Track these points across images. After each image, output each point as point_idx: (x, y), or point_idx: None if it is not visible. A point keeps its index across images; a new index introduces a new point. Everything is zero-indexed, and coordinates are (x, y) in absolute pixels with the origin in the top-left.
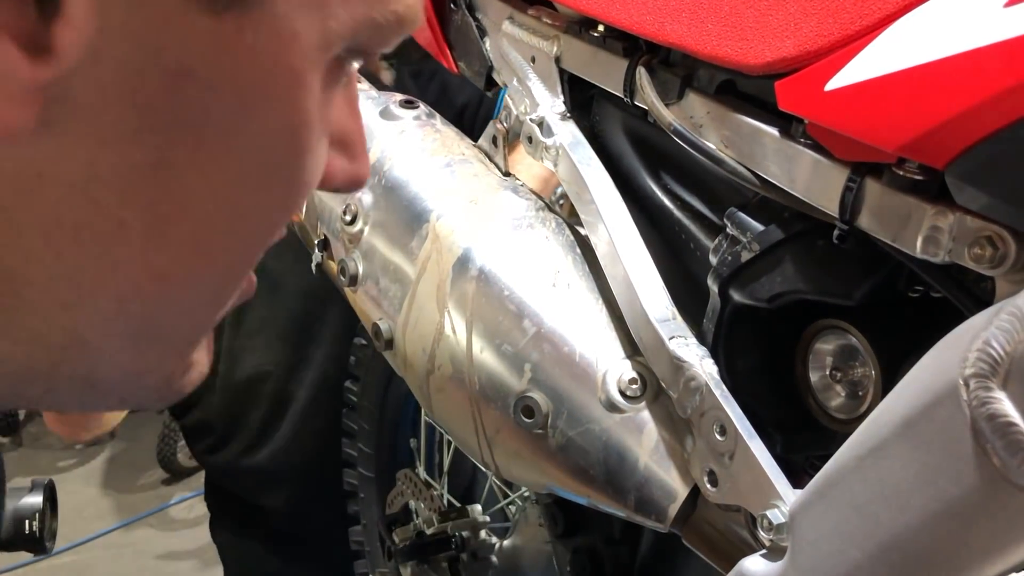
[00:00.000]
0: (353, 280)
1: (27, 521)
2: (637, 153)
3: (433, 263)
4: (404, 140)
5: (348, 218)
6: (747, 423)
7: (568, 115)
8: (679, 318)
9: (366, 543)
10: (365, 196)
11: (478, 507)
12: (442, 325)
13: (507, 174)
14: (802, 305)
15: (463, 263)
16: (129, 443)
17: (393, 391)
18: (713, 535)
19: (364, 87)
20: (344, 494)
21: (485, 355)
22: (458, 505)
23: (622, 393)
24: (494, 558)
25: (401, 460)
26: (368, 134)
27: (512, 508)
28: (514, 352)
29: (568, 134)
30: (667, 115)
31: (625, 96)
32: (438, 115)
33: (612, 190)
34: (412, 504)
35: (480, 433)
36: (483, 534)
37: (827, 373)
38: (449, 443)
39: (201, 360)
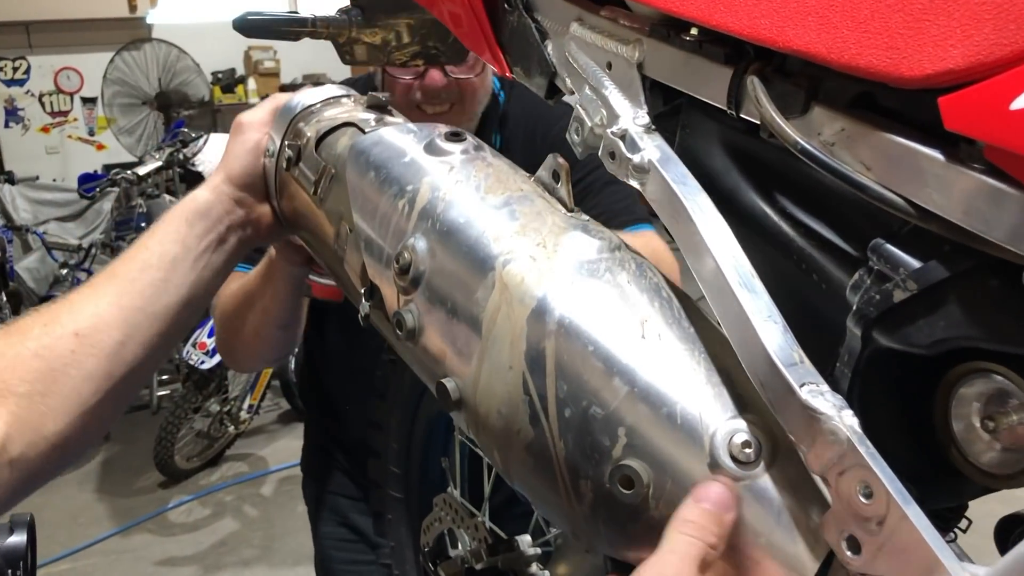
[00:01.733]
0: (411, 335)
1: (10, 570)
2: (743, 172)
3: (504, 316)
4: (455, 178)
5: (401, 266)
6: (900, 486)
7: (653, 127)
8: (807, 362)
9: (395, 566)
10: (419, 242)
11: (527, 538)
12: (519, 385)
13: (571, 209)
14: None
15: (538, 316)
16: (125, 446)
17: (424, 410)
18: None
19: (399, 120)
20: (373, 514)
21: (572, 419)
22: (504, 536)
23: (734, 458)
24: None
25: (432, 481)
26: (415, 171)
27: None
28: (605, 415)
29: (656, 149)
30: (793, 133)
31: (730, 108)
32: (487, 146)
33: (715, 213)
34: (453, 532)
35: (571, 504)
36: (534, 567)
37: (973, 422)
38: (490, 468)
39: None
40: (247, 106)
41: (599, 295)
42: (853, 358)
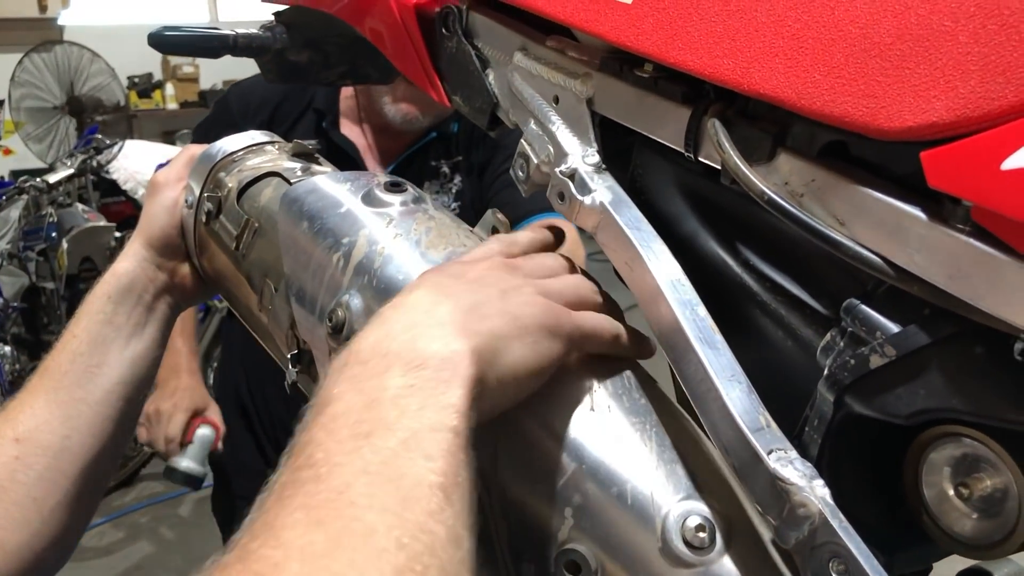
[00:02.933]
0: None
1: None
2: (702, 218)
3: None
4: (393, 231)
5: (334, 325)
6: (876, 563)
7: (604, 167)
8: (774, 426)
9: None
10: (353, 299)
11: None
12: None
13: None
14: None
15: None
16: None
17: None
18: None
19: (327, 168)
20: None
21: (515, 497)
22: None
23: (687, 543)
24: None
25: None
26: (351, 222)
27: None
28: (551, 493)
29: (608, 191)
30: (758, 182)
31: (687, 151)
32: (427, 197)
33: (672, 262)
34: None
35: None
36: None
37: (946, 489)
38: None
39: None
40: (164, 112)
41: None
42: (824, 423)
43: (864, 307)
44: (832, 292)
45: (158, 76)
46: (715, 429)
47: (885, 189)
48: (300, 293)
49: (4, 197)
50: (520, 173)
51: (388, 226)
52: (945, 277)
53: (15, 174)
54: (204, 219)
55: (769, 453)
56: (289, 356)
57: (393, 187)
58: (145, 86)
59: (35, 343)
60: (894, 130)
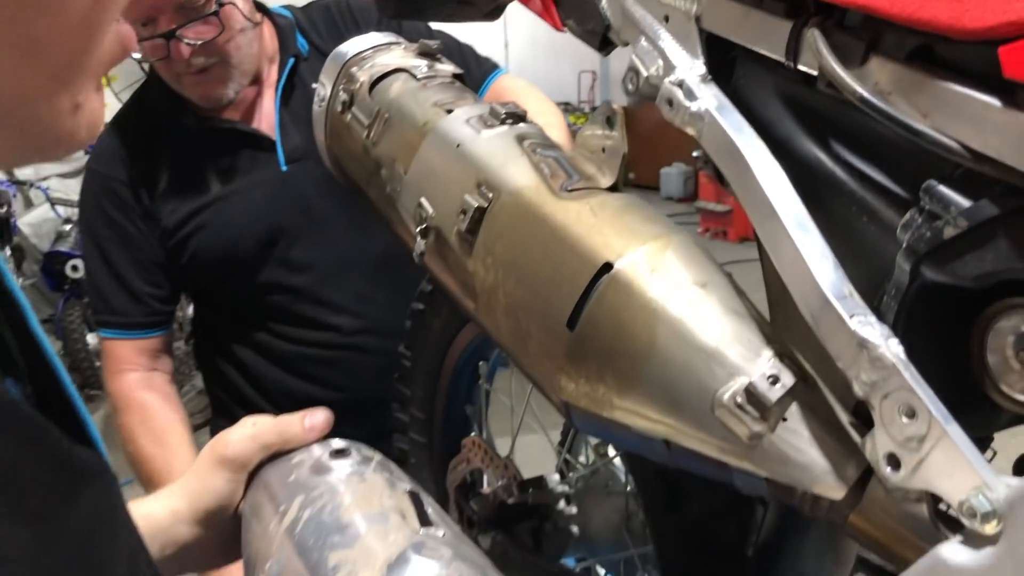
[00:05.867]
0: None
1: None
2: (798, 121)
3: None
4: (323, 498)
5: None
6: (942, 406)
7: (709, 77)
8: (856, 295)
9: None
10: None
11: (556, 476)
12: None
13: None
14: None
15: None
16: None
17: (450, 358)
18: (883, 522)
19: (449, 67)
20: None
21: None
22: (528, 477)
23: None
24: (574, 528)
25: (455, 427)
26: (291, 490)
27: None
28: None
29: (713, 98)
30: (852, 83)
31: (788, 60)
32: (375, 459)
33: (770, 159)
34: (480, 473)
35: None
36: (562, 504)
37: (1008, 354)
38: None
39: (93, 105)
40: None
41: None
42: (900, 292)
43: (941, 187)
44: (913, 178)
45: None
46: (805, 300)
47: (965, 83)
48: None
49: None
50: (630, 86)
51: (320, 496)
52: (1016, 155)
53: None
54: (339, 109)
55: (851, 317)
56: (417, 231)
57: (339, 454)
58: None
59: None
60: (977, 30)
